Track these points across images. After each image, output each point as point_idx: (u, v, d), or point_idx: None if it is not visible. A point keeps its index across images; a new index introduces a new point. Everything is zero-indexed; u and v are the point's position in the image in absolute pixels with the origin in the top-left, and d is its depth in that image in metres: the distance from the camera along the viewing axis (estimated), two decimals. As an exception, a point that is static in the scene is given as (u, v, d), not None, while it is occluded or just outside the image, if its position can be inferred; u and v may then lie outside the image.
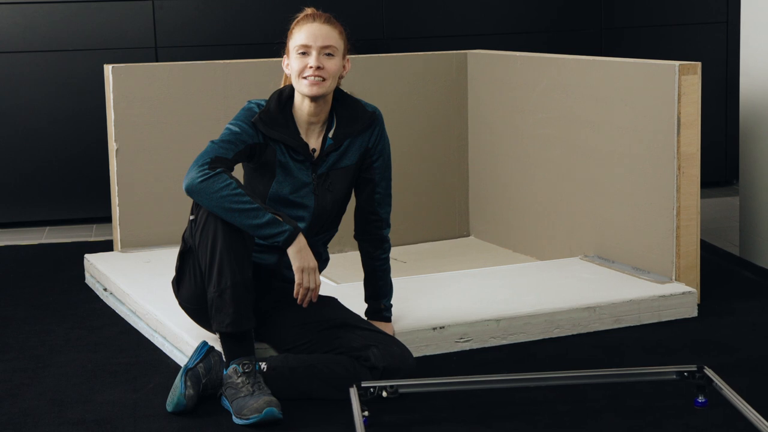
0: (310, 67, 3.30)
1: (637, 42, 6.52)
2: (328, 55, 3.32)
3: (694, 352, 3.64)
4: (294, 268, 3.19)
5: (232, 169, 3.25)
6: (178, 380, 3.15)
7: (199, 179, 3.17)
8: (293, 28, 3.37)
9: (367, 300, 3.59)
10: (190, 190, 3.18)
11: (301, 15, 3.39)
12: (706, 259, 4.49)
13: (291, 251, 3.18)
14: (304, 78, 3.31)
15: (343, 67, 3.39)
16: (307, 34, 3.32)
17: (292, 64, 3.35)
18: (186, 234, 3.35)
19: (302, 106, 3.37)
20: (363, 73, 4.87)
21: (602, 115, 4.38)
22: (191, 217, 3.29)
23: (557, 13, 6.49)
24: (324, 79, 3.31)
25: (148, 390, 3.36)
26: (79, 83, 5.92)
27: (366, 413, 2.94)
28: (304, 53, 3.32)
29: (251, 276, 3.23)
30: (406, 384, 3.08)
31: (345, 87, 3.49)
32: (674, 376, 3.10)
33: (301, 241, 3.19)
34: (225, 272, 3.16)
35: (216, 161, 3.20)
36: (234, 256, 3.17)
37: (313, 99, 3.34)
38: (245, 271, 3.19)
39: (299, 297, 3.22)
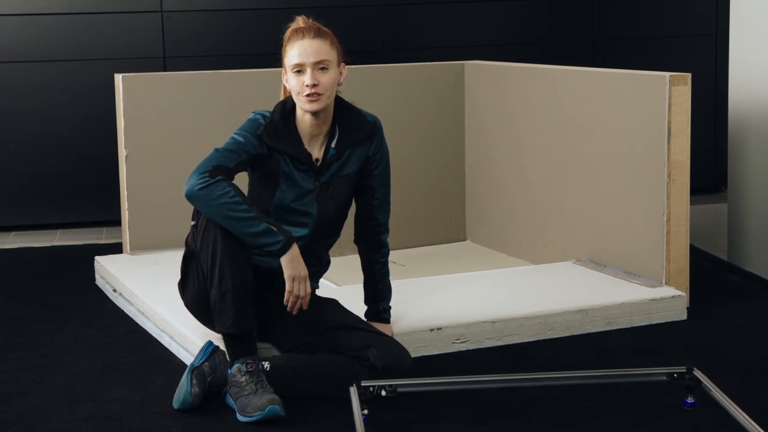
0: (307, 86, 3.30)
1: (629, 53, 6.52)
2: (323, 69, 3.32)
3: (684, 354, 3.66)
4: (285, 276, 3.22)
5: (233, 178, 3.27)
6: (185, 378, 3.18)
7: (199, 186, 3.20)
8: (286, 45, 3.35)
9: (366, 302, 3.61)
10: (189, 196, 3.22)
11: (292, 27, 3.37)
12: (695, 264, 4.48)
13: (283, 260, 3.22)
14: (302, 96, 3.33)
15: (340, 73, 3.39)
16: (299, 51, 3.31)
17: (289, 81, 3.35)
18: (188, 239, 3.38)
19: (304, 118, 3.39)
20: (363, 82, 4.83)
21: (595, 123, 4.39)
22: (192, 223, 3.32)
23: (551, 25, 6.49)
24: (321, 94, 3.31)
25: (155, 388, 3.38)
26: (91, 92, 5.95)
27: (365, 412, 2.97)
28: (299, 71, 3.32)
29: (251, 278, 3.26)
30: (405, 383, 3.09)
31: (345, 96, 3.49)
32: (664, 378, 3.11)
33: (294, 251, 3.22)
34: (225, 275, 3.19)
35: (217, 169, 3.23)
36: (234, 260, 3.20)
37: (314, 113, 3.37)
38: (245, 274, 3.23)
39: (289, 304, 3.25)
